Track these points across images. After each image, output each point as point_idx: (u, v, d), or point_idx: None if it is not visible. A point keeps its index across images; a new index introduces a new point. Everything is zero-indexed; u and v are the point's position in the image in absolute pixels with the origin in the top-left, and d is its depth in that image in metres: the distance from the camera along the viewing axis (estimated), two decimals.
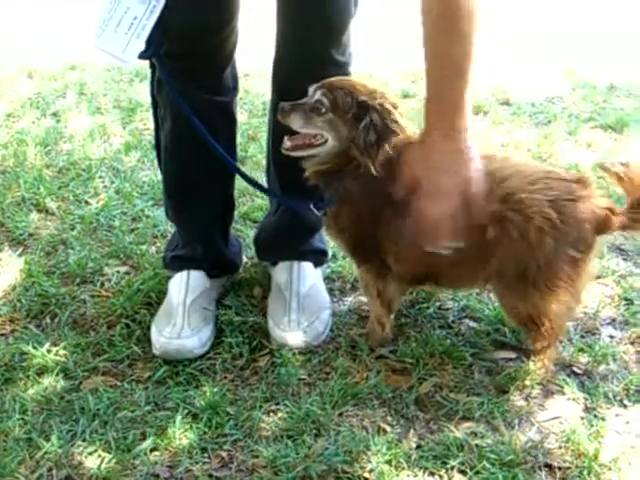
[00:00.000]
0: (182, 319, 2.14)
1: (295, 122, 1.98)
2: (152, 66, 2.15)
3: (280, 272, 2.32)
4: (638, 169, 1.92)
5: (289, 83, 2.14)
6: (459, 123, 1.80)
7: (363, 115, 1.89)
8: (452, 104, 1.80)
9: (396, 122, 1.90)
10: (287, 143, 2.01)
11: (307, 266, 2.33)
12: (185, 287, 2.24)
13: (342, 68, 2.12)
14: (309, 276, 2.32)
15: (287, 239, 2.36)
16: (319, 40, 2.07)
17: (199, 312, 2.19)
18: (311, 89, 1.97)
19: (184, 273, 2.28)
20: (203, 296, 2.25)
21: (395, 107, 1.92)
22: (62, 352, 2.13)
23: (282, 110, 1.98)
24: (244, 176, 2.16)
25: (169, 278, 2.34)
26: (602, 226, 1.91)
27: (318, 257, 2.40)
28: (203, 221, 2.32)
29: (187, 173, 2.24)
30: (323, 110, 1.93)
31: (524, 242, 1.86)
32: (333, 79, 1.97)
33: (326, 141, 1.97)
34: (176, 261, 2.34)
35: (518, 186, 1.88)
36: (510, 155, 2.04)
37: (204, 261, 2.31)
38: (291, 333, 2.14)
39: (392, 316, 2.18)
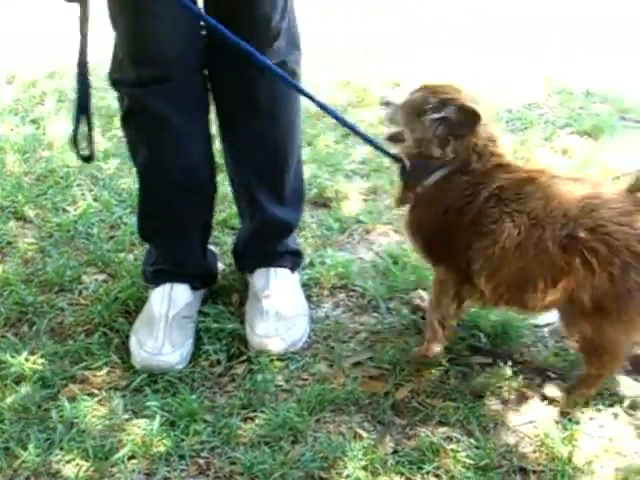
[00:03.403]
0: (163, 334, 2.14)
1: (387, 116, 2.10)
2: (120, 101, 2.15)
3: (257, 279, 2.33)
4: None
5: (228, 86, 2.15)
6: None
7: (439, 110, 1.94)
8: None
9: (473, 125, 1.92)
10: (385, 131, 2.14)
11: (284, 272, 2.35)
12: (168, 300, 2.23)
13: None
14: (286, 282, 2.33)
15: (262, 243, 2.37)
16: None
17: (181, 326, 2.19)
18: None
19: (167, 286, 2.28)
20: (185, 309, 2.25)
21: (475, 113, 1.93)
22: (40, 361, 2.14)
23: (384, 104, 2.14)
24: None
25: (150, 287, 2.34)
26: None
27: (294, 259, 2.41)
28: (186, 241, 2.32)
29: (168, 201, 2.23)
30: (404, 107, 2.02)
31: (606, 274, 1.81)
32: (433, 83, 2.03)
33: (405, 139, 2.03)
34: (158, 275, 2.32)
35: (608, 217, 1.82)
36: (602, 181, 1.97)
37: (187, 275, 2.31)
38: (268, 340, 2.15)
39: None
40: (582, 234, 1.81)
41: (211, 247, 2.49)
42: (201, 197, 2.29)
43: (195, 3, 1.97)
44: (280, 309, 2.22)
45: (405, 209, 2.11)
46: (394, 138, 2.08)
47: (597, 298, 1.84)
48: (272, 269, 2.33)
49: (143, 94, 2.05)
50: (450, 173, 1.97)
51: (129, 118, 2.15)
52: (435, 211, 2.01)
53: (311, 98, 1.98)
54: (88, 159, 2.06)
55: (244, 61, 1.98)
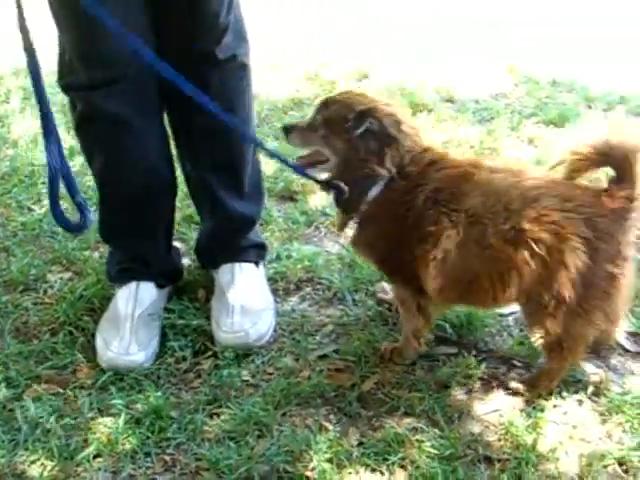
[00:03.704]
0: (129, 333, 2.13)
1: (295, 141, 2.02)
2: (72, 106, 2.10)
3: (222, 274, 2.33)
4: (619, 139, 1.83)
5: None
6: None
7: (359, 124, 1.88)
8: None
9: (398, 128, 1.90)
10: (297, 162, 2.05)
11: (249, 267, 2.35)
12: (134, 299, 2.22)
13: (230, 63, 2.10)
14: (251, 277, 2.33)
15: (225, 239, 2.37)
16: (197, 39, 2.01)
17: (146, 325, 2.18)
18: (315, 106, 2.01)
19: (133, 284, 2.26)
20: (151, 308, 2.24)
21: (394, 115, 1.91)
22: (4, 361, 2.12)
23: (284, 130, 2.03)
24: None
25: (116, 286, 2.33)
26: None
27: (258, 252, 2.41)
28: (151, 240, 2.32)
29: (132, 203, 2.21)
30: (317, 126, 1.95)
31: (558, 263, 1.81)
32: (337, 94, 2.00)
33: (328, 159, 1.97)
34: (124, 274, 2.30)
35: (551, 206, 1.81)
36: (543, 172, 1.95)
37: (153, 273, 2.30)
38: (234, 335, 2.15)
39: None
40: (527, 225, 1.80)
41: (175, 243, 2.48)
42: (165, 196, 2.28)
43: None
44: (246, 304, 2.22)
45: (350, 226, 2.07)
46: (312, 162, 2.03)
47: (555, 290, 1.83)
48: (237, 264, 2.33)
49: (96, 97, 2.00)
50: (389, 180, 1.93)
51: (83, 124, 2.11)
52: (383, 226, 1.98)
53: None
54: (79, 229, 2.02)
55: (196, 58, 1.98)
